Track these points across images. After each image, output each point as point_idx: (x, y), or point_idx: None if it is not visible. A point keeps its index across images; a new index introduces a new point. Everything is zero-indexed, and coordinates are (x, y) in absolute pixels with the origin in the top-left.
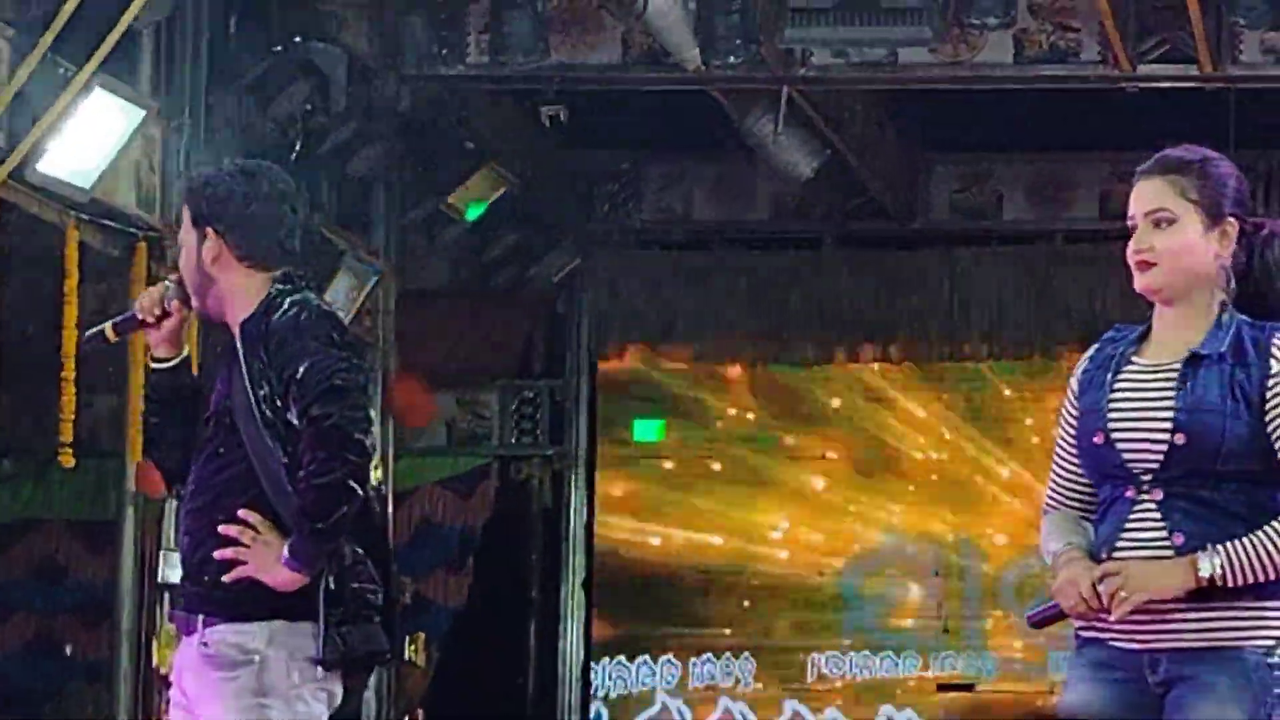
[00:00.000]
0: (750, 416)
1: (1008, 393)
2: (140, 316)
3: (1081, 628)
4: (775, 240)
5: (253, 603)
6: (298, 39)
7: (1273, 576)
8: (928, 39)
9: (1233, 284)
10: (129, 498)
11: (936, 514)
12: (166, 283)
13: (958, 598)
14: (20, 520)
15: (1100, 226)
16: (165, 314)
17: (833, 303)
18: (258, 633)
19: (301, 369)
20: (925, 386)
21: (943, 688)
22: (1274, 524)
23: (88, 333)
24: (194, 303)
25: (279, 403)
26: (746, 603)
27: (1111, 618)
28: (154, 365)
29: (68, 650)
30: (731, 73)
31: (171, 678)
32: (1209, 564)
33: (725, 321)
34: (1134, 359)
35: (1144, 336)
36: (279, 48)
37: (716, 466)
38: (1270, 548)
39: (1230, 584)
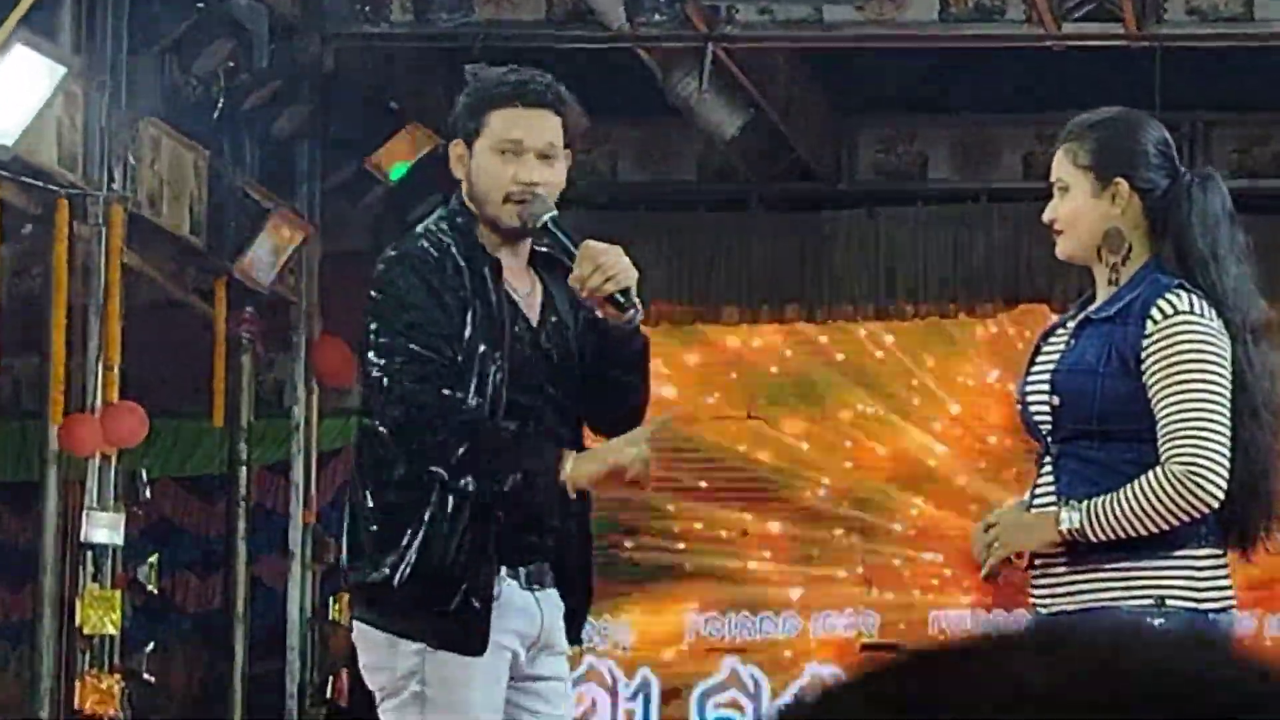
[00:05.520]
0: (674, 378)
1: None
2: None
3: (1030, 594)
4: (701, 201)
5: None
6: None
7: (1139, 530)
8: None
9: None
10: (52, 457)
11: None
12: None
13: (878, 555)
14: None
15: (1024, 186)
16: None
17: (759, 263)
18: None
19: None
20: (851, 346)
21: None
22: (1142, 478)
23: None
24: None
25: None
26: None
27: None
28: None
29: None
30: (656, 30)
31: None
32: (1069, 518)
33: (650, 283)
34: (1067, 324)
35: (1089, 300)
36: (201, 4)
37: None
38: (1133, 501)
39: (1092, 538)
